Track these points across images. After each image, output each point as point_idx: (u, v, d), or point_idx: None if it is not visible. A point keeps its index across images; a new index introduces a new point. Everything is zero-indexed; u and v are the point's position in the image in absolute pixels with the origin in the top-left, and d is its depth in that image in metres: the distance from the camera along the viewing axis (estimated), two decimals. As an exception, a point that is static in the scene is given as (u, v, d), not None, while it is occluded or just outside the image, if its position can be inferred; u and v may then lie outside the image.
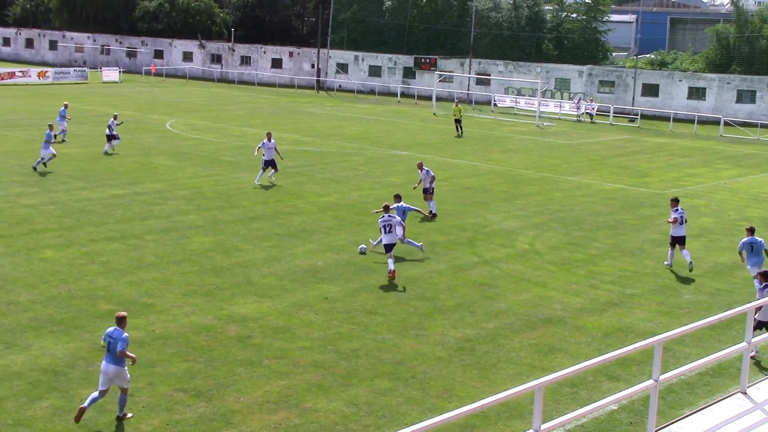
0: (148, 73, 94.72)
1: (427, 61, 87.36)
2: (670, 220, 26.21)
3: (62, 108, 47.51)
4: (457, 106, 57.57)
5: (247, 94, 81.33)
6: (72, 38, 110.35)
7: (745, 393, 11.97)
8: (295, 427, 15.31)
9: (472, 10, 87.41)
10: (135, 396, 16.15)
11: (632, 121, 71.48)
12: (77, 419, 14.99)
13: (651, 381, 10.52)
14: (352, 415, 15.89)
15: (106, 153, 42.45)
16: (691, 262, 25.77)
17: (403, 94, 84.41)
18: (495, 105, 77.25)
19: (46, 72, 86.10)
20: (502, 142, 54.57)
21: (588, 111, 71.24)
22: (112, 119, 43.47)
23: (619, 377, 17.90)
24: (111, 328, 15.29)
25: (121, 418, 15.40)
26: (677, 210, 26.09)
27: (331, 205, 33.10)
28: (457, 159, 45.70)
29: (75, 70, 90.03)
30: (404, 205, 27.03)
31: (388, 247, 24.66)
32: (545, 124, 66.20)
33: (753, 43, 78.52)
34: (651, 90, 77.43)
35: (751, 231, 23.33)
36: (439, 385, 17.29)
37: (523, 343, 19.81)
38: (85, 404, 15.07)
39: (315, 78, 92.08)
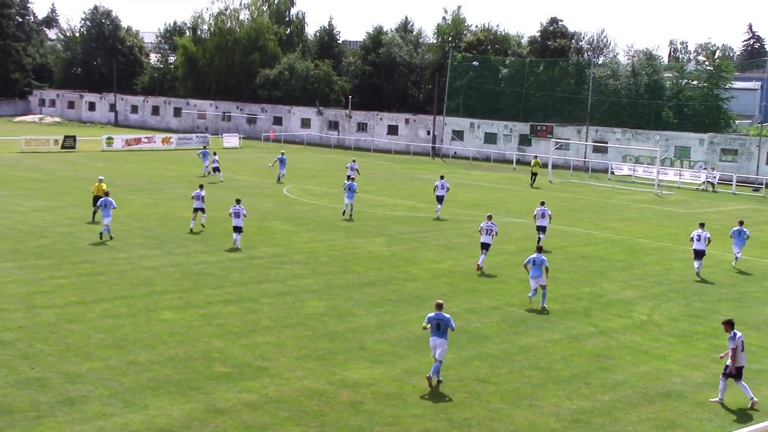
0: (267, 139, 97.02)
1: (544, 128, 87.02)
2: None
3: (352, 162, 58.52)
4: (536, 159, 68.90)
5: (364, 160, 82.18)
6: (195, 105, 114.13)
7: None
8: (405, 497, 15.12)
9: (589, 78, 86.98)
10: (247, 459, 16.24)
11: (756, 190, 69.51)
12: (431, 386, 20.08)
13: (779, 463, 10.03)
14: (463, 486, 15.61)
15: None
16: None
17: (518, 162, 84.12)
18: (612, 173, 76.30)
19: (170, 138, 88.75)
20: (620, 210, 53.72)
21: (709, 180, 69.65)
22: (352, 162, 54.84)
23: (744, 457, 17.16)
24: (433, 313, 20.41)
25: (437, 380, 20.20)
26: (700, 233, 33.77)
27: (445, 272, 33.00)
28: (572, 227, 45.14)
29: (197, 136, 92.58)
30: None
31: (484, 246, 32.97)
32: (664, 192, 64.97)
33: None
34: (776, 158, 75.34)
35: (740, 223, 35.50)
36: (554, 459, 16.87)
37: (641, 416, 19.23)
38: (430, 374, 20.13)
39: (430, 144, 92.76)
